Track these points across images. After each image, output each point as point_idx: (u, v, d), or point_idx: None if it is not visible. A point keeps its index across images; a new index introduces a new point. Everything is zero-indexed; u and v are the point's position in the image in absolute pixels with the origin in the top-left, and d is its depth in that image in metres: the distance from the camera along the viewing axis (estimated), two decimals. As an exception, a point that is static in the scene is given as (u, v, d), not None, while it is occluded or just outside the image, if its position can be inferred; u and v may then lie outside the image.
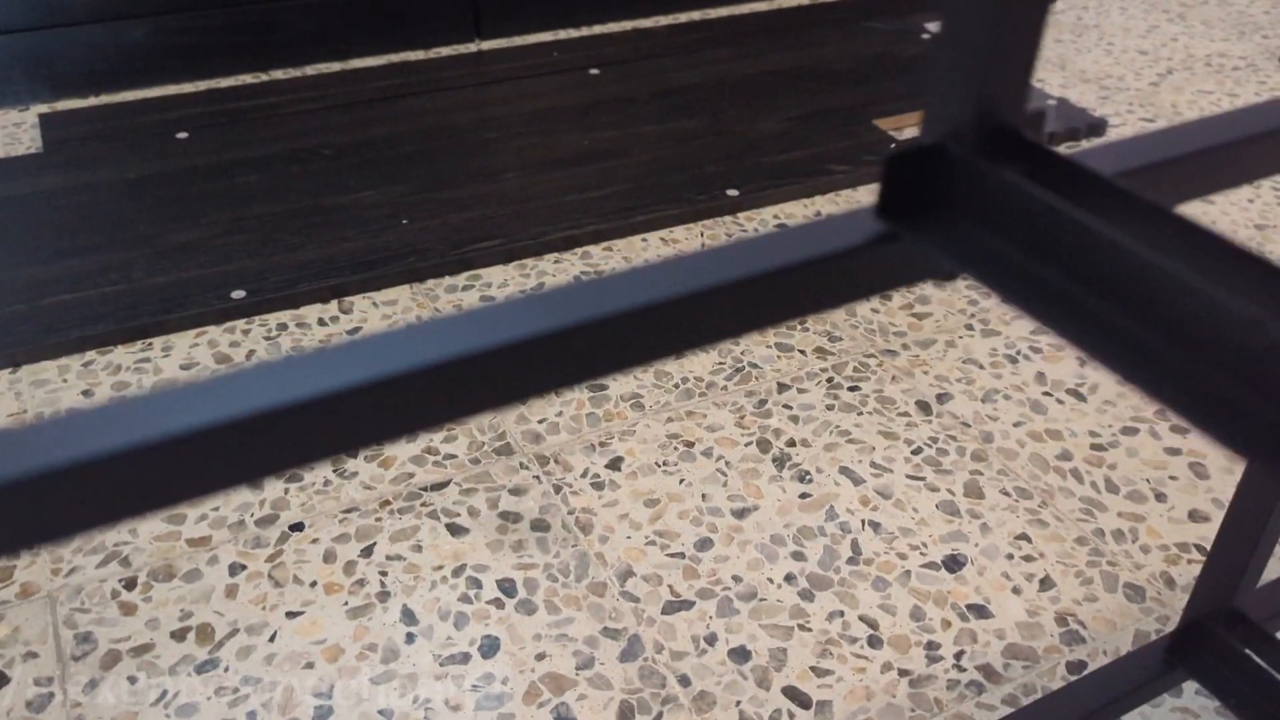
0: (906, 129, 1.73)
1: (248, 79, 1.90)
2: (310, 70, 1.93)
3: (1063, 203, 0.36)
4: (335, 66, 1.95)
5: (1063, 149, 1.69)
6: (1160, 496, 1.05)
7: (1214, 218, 1.55)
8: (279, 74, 1.92)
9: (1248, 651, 0.73)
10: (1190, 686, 0.85)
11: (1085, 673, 0.87)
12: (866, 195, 1.57)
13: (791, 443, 1.12)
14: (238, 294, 1.30)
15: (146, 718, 0.84)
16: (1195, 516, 1.03)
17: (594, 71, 1.92)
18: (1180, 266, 0.32)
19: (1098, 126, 1.76)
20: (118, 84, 1.84)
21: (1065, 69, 2.01)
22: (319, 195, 1.52)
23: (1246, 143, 0.44)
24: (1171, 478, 1.08)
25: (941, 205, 0.40)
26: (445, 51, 2.01)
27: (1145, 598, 0.94)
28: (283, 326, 1.27)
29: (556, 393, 0.35)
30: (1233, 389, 0.32)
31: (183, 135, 1.68)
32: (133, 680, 0.87)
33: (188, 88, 1.86)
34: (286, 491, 1.04)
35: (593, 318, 0.34)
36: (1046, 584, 0.96)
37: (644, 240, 1.46)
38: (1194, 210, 1.55)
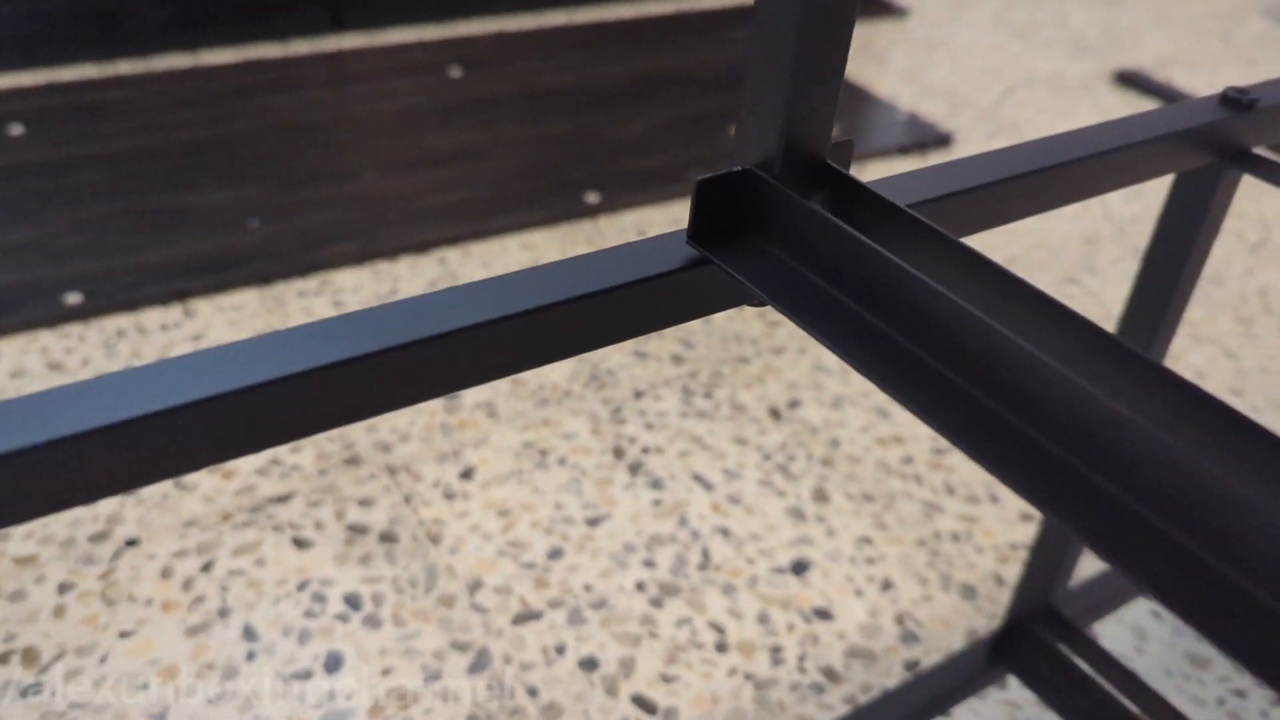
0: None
1: (90, 71, 1.81)
2: (158, 63, 1.86)
3: (860, 234, 0.37)
4: (185, 60, 1.88)
5: (910, 159, 1.74)
6: (994, 499, 1.10)
7: (1046, 233, 1.62)
8: (124, 66, 1.84)
9: (1062, 647, 0.77)
10: (1014, 680, 0.89)
11: (918, 671, 0.90)
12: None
13: (646, 450, 1.13)
14: (73, 298, 1.24)
15: (-39, 748, 0.79)
16: (1025, 517, 1.08)
17: (455, 73, 1.90)
18: (964, 301, 0.34)
19: (945, 140, 1.83)
20: (-55, 73, 1.74)
21: (916, 83, 2.09)
22: (164, 195, 1.47)
23: (1035, 175, 0.46)
24: (1005, 480, 1.13)
25: (750, 231, 0.41)
26: (302, 48, 1.96)
27: (977, 596, 0.99)
28: (122, 333, 1.22)
29: (355, 418, 0.34)
30: (1018, 426, 0.33)
31: (17, 130, 1.60)
32: (-51, 708, 0.83)
33: (24, 79, 1.76)
34: (122, 505, 1.00)
35: (393, 345, 0.34)
36: (887, 586, 1.00)
37: (502, 245, 1.46)
38: (1028, 223, 1.63)
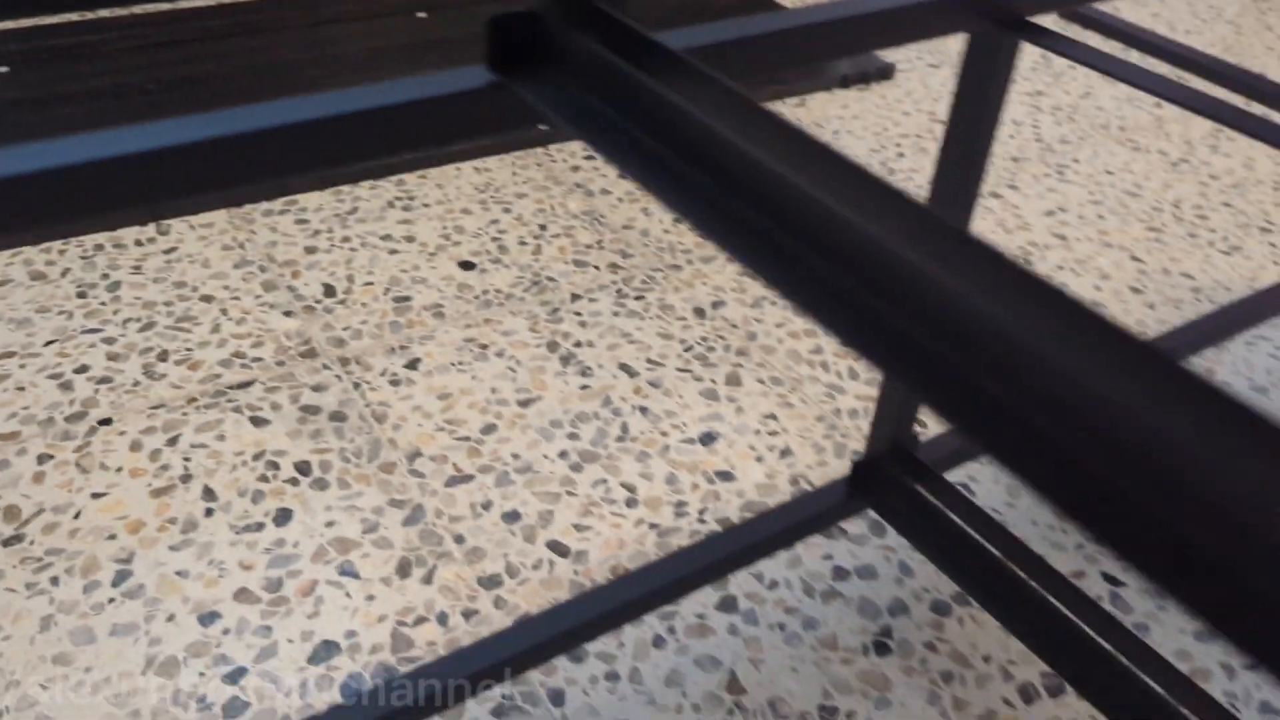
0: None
1: (73, 16, 1.91)
2: (137, 9, 1.95)
3: (622, 62, 0.47)
4: (163, 5, 1.97)
5: (853, 91, 1.81)
6: (894, 382, 1.20)
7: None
8: (105, 12, 1.93)
9: (916, 486, 0.88)
10: (893, 530, 1.00)
11: (782, 502, 1.01)
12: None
13: (578, 344, 1.24)
14: (55, 217, 1.35)
15: (-46, 586, 0.91)
16: (921, 397, 1.18)
17: (421, 14, 1.99)
18: (725, 130, 0.43)
19: (886, 70, 1.91)
20: (-65, 19, 1.83)
21: (867, 18, 2.16)
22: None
23: (818, 26, 0.55)
24: (907, 367, 1.23)
25: (540, 64, 0.51)
26: (276, -7, 2.04)
27: (867, 462, 1.09)
28: (99, 247, 1.33)
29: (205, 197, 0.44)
30: (813, 261, 0.42)
31: (1, 70, 1.69)
32: (-56, 562, 0.94)
33: (8, 24, 1.86)
34: (96, 391, 1.11)
35: (235, 133, 0.44)
36: (786, 454, 1.10)
37: (457, 170, 1.55)
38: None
